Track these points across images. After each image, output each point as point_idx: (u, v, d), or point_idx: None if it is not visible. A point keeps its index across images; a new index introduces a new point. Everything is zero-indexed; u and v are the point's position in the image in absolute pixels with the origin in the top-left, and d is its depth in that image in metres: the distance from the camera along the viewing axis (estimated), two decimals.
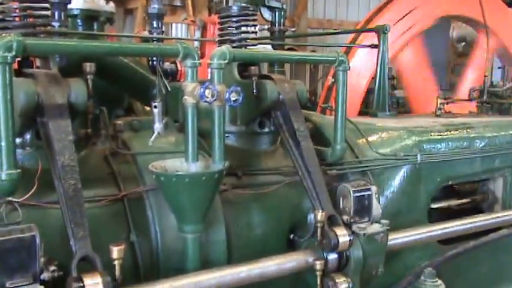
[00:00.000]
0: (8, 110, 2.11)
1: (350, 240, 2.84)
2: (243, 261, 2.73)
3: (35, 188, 2.34)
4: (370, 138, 3.62)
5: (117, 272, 2.20)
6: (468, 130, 4.01)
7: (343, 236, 2.83)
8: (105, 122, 2.89)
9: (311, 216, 3.22)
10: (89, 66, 2.68)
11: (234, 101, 2.58)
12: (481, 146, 3.92)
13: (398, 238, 3.21)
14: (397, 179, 3.52)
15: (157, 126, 2.72)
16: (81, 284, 2.07)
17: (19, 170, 2.19)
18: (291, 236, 3.22)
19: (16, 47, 2.12)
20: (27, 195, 2.32)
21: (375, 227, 3.02)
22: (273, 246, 3.06)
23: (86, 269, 2.17)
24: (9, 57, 2.10)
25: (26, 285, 2.04)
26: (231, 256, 2.90)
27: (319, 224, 2.86)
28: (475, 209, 4.16)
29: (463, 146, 3.84)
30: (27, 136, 2.56)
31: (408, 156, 3.57)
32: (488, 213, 3.91)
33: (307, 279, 2.97)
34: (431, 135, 3.79)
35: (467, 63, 7.98)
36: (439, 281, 3.42)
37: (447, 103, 4.90)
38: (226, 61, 2.71)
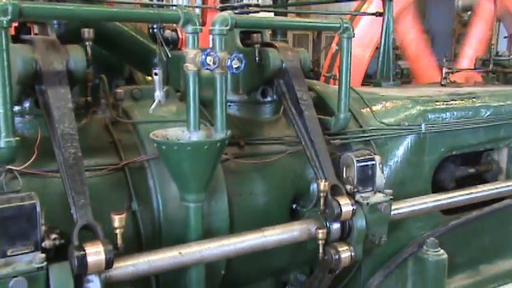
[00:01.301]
0: (5, 76, 2.07)
1: (353, 209, 2.82)
2: (245, 231, 2.73)
3: (34, 156, 2.32)
4: (374, 108, 3.57)
5: (119, 241, 2.19)
6: (473, 99, 3.95)
7: (346, 205, 2.81)
8: (105, 90, 2.84)
9: (314, 186, 3.21)
10: (88, 32, 2.62)
11: (236, 68, 2.52)
12: (486, 115, 3.87)
13: (401, 208, 3.20)
14: (401, 149, 3.49)
15: (158, 94, 2.67)
16: (83, 252, 2.06)
17: (18, 138, 2.16)
18: (294, 205, 3.21)
19: (11, 10, 2.06)
20: (27, 164, 2.30)
21: (378, 197, 2.99)
22: (275, 215, 3.05)
23: (87, 238, 2.16)
24: (4, 22, 2.05)
25: (27, 253, 2.03)
26: (233, 225, 2.89)
27: (322, 194, 2.83)
28: (478, 179, 4.13)
29: (468, 115, 3.79)
30: (26, 104, 2.53)
31: (412, 125, 3.52)
32: (491, 183, 3.87)
33: (309, 248, 2.97)
34: (436, 105, 3.74)
35: (468, 33, 7.86)
36: (441, 251, 3.44)
37: (452, 72, 4.82)
38: (228, 27, 2.64)
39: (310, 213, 3.03)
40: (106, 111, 2.84)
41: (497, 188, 3.75)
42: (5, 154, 2.15)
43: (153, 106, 2.69)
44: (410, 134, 3.51)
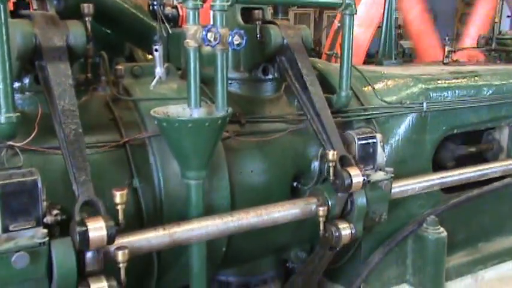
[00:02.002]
0: (5, 50, 2.05)
1: (364, 180, 2.79)
2: (246, 208, 2.73)
3: (35, 132, 2.31)
4: (376, 86, 3.55)
5: (120, 217, 2.19)
6: (475, 78, 3.92)
7: (356, 176, 2.78)
8: (105, 67, 2.82)
9: (315, 164, 3.21)
10: (87, 8, 2.59)
11: (237, 44, 2.50)
12: (488, 94, 3.85)
13: (402, 186, 3.20)
14: (402, 127, 3.47)
15: (159, 70, 2.65)
16: (85, 228, 2.07)
17: (18, 114, 2.15)
18: (294, 183, 3.21)
19: None
20: (28, 140, 2.30)
21: (379, 175, 3.00)
22: (276, 193, 3.05)
23: (89, 214, 2.16)
24: None
25: (29, 228, 2.03)
26: (234, 203, 2.90)
27: (331, 164, 2.80)
28: (479, 159, 4.13)
29: (470, 94, 3.77)
30: (26, 80, 2.52)
31: (414, 104, 3.51)
32: (492, 162, 3.87)
33: (310, 225, 2.98)
34: (438, 83, 3.71)
35: (472, 12, 7.79)
36: (441, 229, 3.46)
37: (455, 51, 4.78)
38: (229, 3, 2.60)
39: (311, 191, 3.03)
40: (106, 88, 2.83)
41: (497, 167, 3.75)
42: (5, 130, 2.14)
43: (153, 83, 2.68)
44: (411, 112, 3.49)
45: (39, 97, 2.49)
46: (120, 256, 2.16)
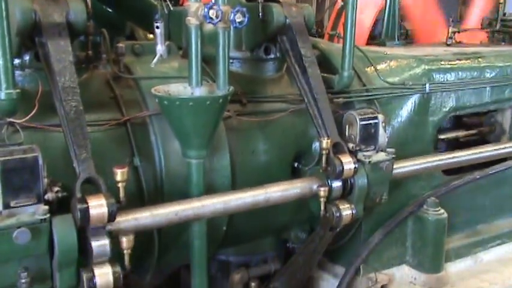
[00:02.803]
0: (4, 26, 2.02)
1: (355, 167, 2.81)
2: (247, 187, 2.73)
3: (35, 109, 2.30)
4: (378, 67, 3.52)
5: (121, 194, 2.20)
6: (479, 59, 3.89)
7: (348, 163, 2.80)
8: (106, 45, 2.80)
9: (316, 145, 3.21)
10: None
11: (239, 22, 2.47)
12: (491, 76, 3.82)
13: (403, 167, 3.19)
14: (405, 109, 3.46)
15: (160, 48, 2.62)
16: (86, 205, 2.07)
17: (18, 90, 2.14)
18: (295, 164, 3.21)
19: None
20: (28, 117, 2.29)
21: (381, 155, 2.99)
22: (277, 173, 3.05)
23: (89, 192, 2.16)
24: None
25: (31, 204, 2.04)
26: (234, 183, 2.90)
27: (324, 151, 2.83)
28: (481, 141, 4.12)
29: (473, 75, 3.74)
30: (26, 57, 2.50)
31: (416, 85, 3.48)
32: (494, 144, 3.86)
33: (311, 205, 2.98)
34: (441, 64, 3.68)
35: None
36: (442, 210, 3.46)
37: (458, 32, 4.74)
38: None
39: (311, 172, 3.03)
40: (107, 66, 2.81)
41: (499, 149, 3.74)
42: (5, 106, 2.13)
43: (154, 60, 2.65)
44: (414, 93, 3.47)
45: (39, 74, 2.47)
46: (125, 243, 2.18)
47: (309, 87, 2.94)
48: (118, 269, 2.13)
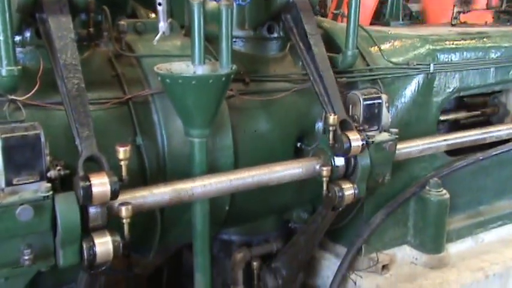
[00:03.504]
0: (5, 2, 1.99)
1: (363, 144, 2.77)
2: (249, 167, 2.72)
3: (37, 86, 2.28)
4: (382, 46, 3.48)
5: (124, 173, 2.18)
6: (484, 39, 3.85)
7: (355, 140, 2.77)
8: (108, 22, 2.77)
9: (319, 125, 3.19)
10: None
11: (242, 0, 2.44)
12: (496, 56, 3.78)
13: (406, 147, 3.18)
14: (408, 89, 3.43)
15: (162, 25, 2.59)
16: (88, 183, 2.06)
17: (20, 67, 2.12)
18: (298, 144, 3.20)
19: None
20: (30, 94, 2.27)
21: (384, 136, 2.98)
22: (280, 153, 3.04)
23: (92, 170, 2.16)
24: None
25: (33, 182, 2.03)
26: (237, 162, 2.89)
27: (331, 128, 2.79)
28: (484, 123, 4.10)
29: (478, 55, 3.71)
30: (27, 34, 2.47)
31: (421, 65, 3.45)
32: (497, 125, 3.84)
33: (313, 185, 2.98)
34: (445, 44, 3.65)
35: None
36: (444, 191, 3.46)
37: (464, 12, 4.68)
38: None
39: (314, 151, 3.02)
40: (109, 44, 2.78)
41: (502, 130, 3.72)
42: (7, 83, 2.11)
43: (157, 37, 2.62)
44: (418, 73, 3.44)
45: (40, 51, 2.45)
46: (124, 212, 2.17)
47: (314, 65, 2.90)
48: (117, 238, 2.13)
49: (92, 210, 2.13)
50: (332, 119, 2.77)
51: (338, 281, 3.33)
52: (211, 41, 2.80)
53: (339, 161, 2.86)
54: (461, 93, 3.71)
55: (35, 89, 2.27)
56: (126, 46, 2.82)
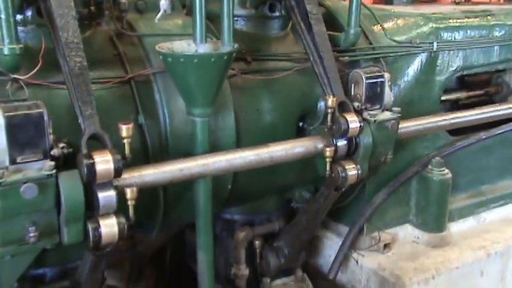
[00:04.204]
0: None
1: (360, 126, 2.79)
2: (251, 146, 2.73)
3: (39, 65, 2.28)
4: (385, 25, 3.45)
5: (126, 151, 2.19)
6: (488, 17, 3.81)
7: (353, 122, 2.78)
8: (109, 1, 2.75)
9: (321, 104, 3.19)
10: None
11: None
12: (500, 34, 3.75)
13: (408, 126, 3.17)
14: (411, 68, 3.41)
15: (164, 2, 2.58)
16: (92, 161, 2.07)
17: (21, 45, 2.11)
18: (300, 123, 3.20)
19: None
20: (32, 72, 2.26)
21: (386, 114, 2.97)
22: (282, 133, 3.04)
23: (95, 148, 2.16)
24: None
25: (37, 160, 2.04)
26: (239, 142, 2.89)
27: (329, 110, 2.80)
28: (488, 101, 4.09)
29: (482, 34, 3.67)
30: (28, 13, 2.46)
31: (424, 43, 3.43)
32: (500, 104, 3.82)
33: (316, 165, 2.99)
34: (449, 22, 3.61)
35: None
36: (446, 170, 3.47)
37: None
38: None
39: (316, 131, 3.02)
40: (110, 23, 2.77)
41: (505, 109, 3.71)
42: (9, 62, 2.11)
43: (158, 16, 2.61)
44: (421, 52, 3.42)
45: (42, 30, 2.44)
46: (129, 193, 2.18)
47: (315, 45, 2.89)
48: (123, 219, 2.15)
49: (101, 194, 2.13)
50: (330, 101, 2.78)
51: (340, 260, 3.36)
52: (213, 20, 2.79)
53: (341, 141, 2.86)
54: (465, 72, 3.69)
55: (37, 68, 2.27)
56: (127, 25, 2.81)
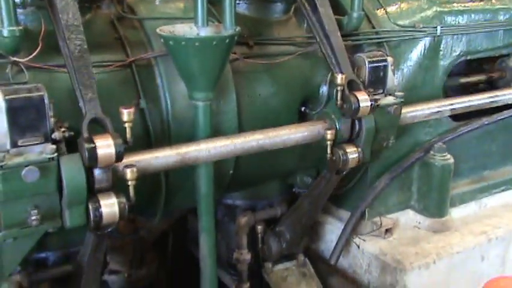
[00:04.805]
0: None
1: (371, 105, 2.74)
2: (253, 130, 2.72)
3: (39, 48, 2.25)
4: (388, 9, 3.41)
5: (128, 135, 2.17)
6: (493, 1, 3.75)
7: (364, 100, 2.73)
8: None
9: (323, 89, 3.17)
10: None
11: None
12: (505, 18, 3.71)
13: (411, 111, 3.16)
14: (415, 52, 3.38)
15: None
16: (93, 145, 2.06)
17: (21, 27, 2.09)
18: (302, 108, 3.18)
19: None
20: (32, 55, 2.24)
21: (389, 99, 2.95)
22: (284, 117, 3.03)
23: (96, 132, 2.15)
24: None
25: (38, 144, 2.03)
26: (241, 126, 2.89)
27: (339, 88, 2.75)
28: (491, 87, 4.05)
29: (486, 18, 3.63)
30: None
31: (427, 28, 3.39)
32: (503, 89, 3.79)
33: (316, 150, 2.98)
34: (453, 6, 3.57)
35: None
36: (448, 155, 3.45)
37: None
38: None
39: (319, 115, 3.01)
40: (110, 6, 2.75)
41: (508, 94, 3.68)
42: (9, 44, 2.09)
43: None
44: (425, 36, 3.38)
45: (42, 13, 2.41)
46: (129, 174, 2.17)
47: (321, 25, 2.85)
48: (123, 199, 2.14)
49: (98, 172, 2.14)
50: (340, 78, 2.73)
51: (341, 245, 3.37)
52: (215, 4, 2.77)
53: (344, 125, 2.84)
54: (469, 57, 3.65)
55: (37, 51, 2.25)
56: (128, 8, 2.79)
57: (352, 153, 2.84)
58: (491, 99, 3.56)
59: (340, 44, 2.85)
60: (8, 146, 2.00)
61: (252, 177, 3.24)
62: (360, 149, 2.85)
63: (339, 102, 2.76)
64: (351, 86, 2.81)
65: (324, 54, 2.87)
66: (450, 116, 3.59)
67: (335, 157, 2.85)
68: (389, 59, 2.98)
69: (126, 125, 2.18)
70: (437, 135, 3.57)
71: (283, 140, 2.73)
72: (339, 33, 2.87)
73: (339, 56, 2.81)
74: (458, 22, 3.52)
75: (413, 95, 3.31)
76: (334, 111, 2.86)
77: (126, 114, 2.16)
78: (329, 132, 2.78)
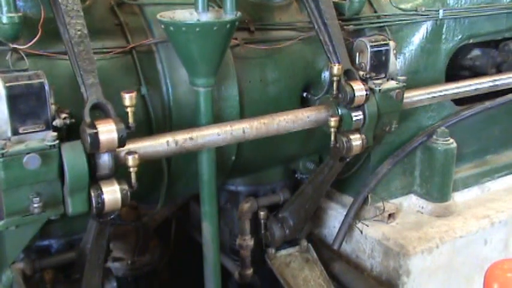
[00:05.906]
0: None
1: (366, 94, 2.75)
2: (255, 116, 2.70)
3: (39, 34, 2.23)
4: None
5: (130, 120, 2.16)
6: None
7: (359, 90, 2.73)
8: None
9: (325, 74, 3.16)
10: None
11: None
12: (508, 1, 3.67)
13: (413, 96, 3.14)
14: (417, 36, 3.35)
15: None
16: (95, 130, 2.05)
17: (20, 14, 2.07)
18: (304, 94, 3.17)
19: None
20: (32, 42, 2.22)
21: (391, 83, 2.93)
22: (286, 103, 3.01)
23: (98, 118, 2.14)
24: None
25: (39, 131, 2.02)
26: (243, 112, 2.87)
27: (335, 78, 2.75)
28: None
29: (489, 1, 3.60)
30: None
31: (430, 11, 3.36)
32: (506, 73, 3.76)
33: (320, 135, 2.97)
34: None
35: None
36: (451, 140, 3.44)
37: None
38: None
39: (321, 102, 2.99)
40: None
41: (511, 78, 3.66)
42: (8, 31, 2.08)
43: None
44: (427, 20, 3.35)
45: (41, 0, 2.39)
46: (131, 161, 2.16)
47: (319, 13, 2.83)
48: (125, 186, 2.14)
49: (99, 158, 2.13)
50: (336, 69, 2.73)
51: (344, 230, 3.37)
52: None
53: (346, 110, 2.82)
54: (471, 41, 3.62)
55: (37, 37, 2.23)
56: None
57: (356, 139, 2.82)
58: (493, 83, 3.54)
59: (338, 32, 2.83)
60: (9, 134, 1.99)
61: (254, 163, 3.23)
62: (363, 136, 2.83)
63: (334, 92, 2.75)
64: (348, 75, 2.80)
65: (322, 41, 2.85)
66: (453, 100, 3.57)
67: (338, 144, 2.84)
68: (391, 44, 2.95)
69: (128, 109, 2.16)
70: (440, 120, 3.56)
71: (286, 126, 2.71)
72: (337, 22, 2.85)
73: (336, 45, 2.80)
74: (461, 5, 3.48)
75: (415, 79, 3.29)
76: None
77: (128, 98, 2.14)
78: (333, 119, 2.76)
